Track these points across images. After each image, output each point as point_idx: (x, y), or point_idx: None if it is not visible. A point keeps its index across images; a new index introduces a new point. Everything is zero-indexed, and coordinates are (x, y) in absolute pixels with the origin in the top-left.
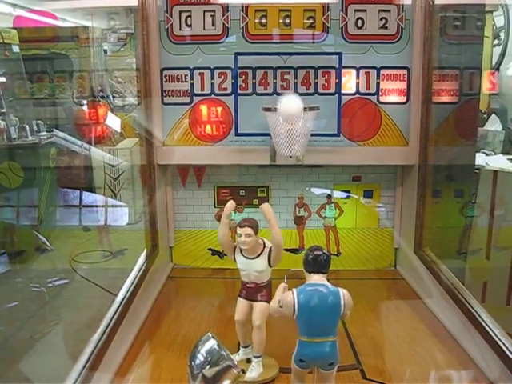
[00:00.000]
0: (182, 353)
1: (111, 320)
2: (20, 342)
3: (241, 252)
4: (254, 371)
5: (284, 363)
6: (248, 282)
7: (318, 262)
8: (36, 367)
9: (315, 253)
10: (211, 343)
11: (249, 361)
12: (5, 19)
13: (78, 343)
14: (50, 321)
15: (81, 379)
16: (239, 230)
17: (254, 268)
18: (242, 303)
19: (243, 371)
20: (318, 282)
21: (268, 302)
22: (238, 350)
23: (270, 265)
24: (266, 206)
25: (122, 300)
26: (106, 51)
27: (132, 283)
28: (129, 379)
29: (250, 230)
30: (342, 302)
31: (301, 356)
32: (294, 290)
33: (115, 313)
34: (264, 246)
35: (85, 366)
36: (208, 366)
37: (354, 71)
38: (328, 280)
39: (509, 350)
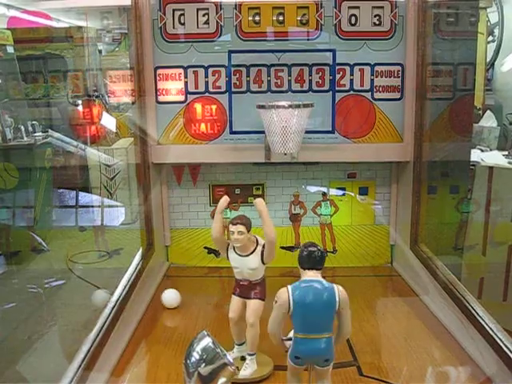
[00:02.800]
0: (178, 351)
1: (107, 319)
2: (18, 343)
3: (234, 249)
4: (248, 369)
5: (279, 361)
6: (241, 279)
7: (312, 259)
8: (34, 367)
9: (310, 249)
10: (206, 341)
11: (243, 358)
12: None
13: (75, 343)
14: (47, 321)
15: (76, 379)
16: (232, 228)
17: (247, 265)
18: (235, 301)
19: (237, 369)
20: (312, 278)
21: (262, 299)
22: (233, 348)
23: (263, 262)
24: (259, 201)
25: (118, 299)
26: (100, 51)
27: (128, 282)
28: (125, 378)
29: (242, 228)
30: (337, 298)
31: (296, 353)
32: (289, 286)
33: (111, 312)
34: (257, 244)
35: (80, 366)
36: (203, 364)
37: (347, 68)
38: (324, 277)
39: (505, 346)
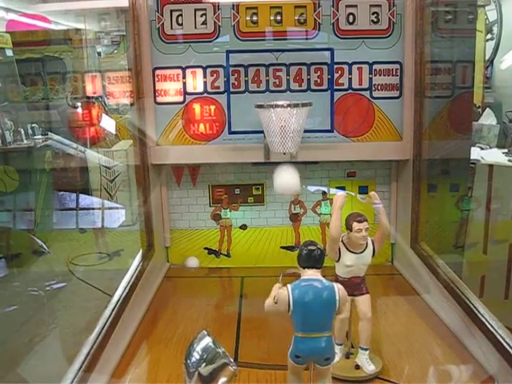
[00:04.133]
0: (178, 352)
1: (107, 320)
2: (19, 346)
3: (347, 248)
4: (372, 364)
5: (280, 360)
6: (353, 276)
7: (312, 257)
8: (35, 370)
9: (309, 248)
10: (207, 341)
11: (347, 357)
12: None
13: (76, 345)
14: (48, 324)
15: (77, 380)
16: (359, 225)
17: (362, 261)
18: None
19: (358, 367)
20: (312, 277)
21: (369, 293)
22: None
23: (373, 255)
24: (374, 195)
25: (118, 300)
26: (99, 53)
27: (128, 283)
28: (126, 379)
29: (368, 224)
30: (337, 297)
31: (296, 352)
32: (289, 285)
33: (111, 313)
34: (367, 239)
35: (81, 368)
36: (204, 364)
37: (346, 67)
38: (324, 276)
39: (507, 344)
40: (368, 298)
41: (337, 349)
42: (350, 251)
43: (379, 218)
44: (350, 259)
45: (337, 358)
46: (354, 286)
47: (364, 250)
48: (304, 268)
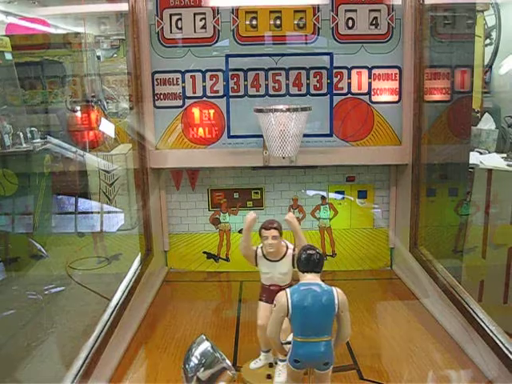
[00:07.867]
0: (177, 356)
1: (105, 325)
2: (16, 350)
3: (263, 255)
4: (282, 375)
5: None
6: (270, 284)
7: (311, 261)
8: (32, 374)
9: (308, 252)
10: (205, 345)
11: (271, 365)
12: None
13: (73, 350)
14: (47, 328)
15: None
16: (265, 233)
17: (278, 270)
18: (264, 307)
19: (269, 376)
20: (311, 281)
21: None
22: (259, 355)
23: (293, 266)
24: (291, 217)
25: (117, 304)
26: (99, 57)
27: (126, 288)
28: None
29: (276, 232)
30: (336, 301)
31: (295, 356)
32: (288, 290)
33: (109, 317)
34: (287, 248)
35: (78, 373)
36: (202, 369)
37: (345, 71)
38: (323, 281)
39: (506, 348)
40: None
41: (262, 355)
42: (265, 258)
43: (294, 234)
44: (264, 265)
45: (260, 364)
46: (271, 294)
47: (281, 258)
48: (303, 272)
